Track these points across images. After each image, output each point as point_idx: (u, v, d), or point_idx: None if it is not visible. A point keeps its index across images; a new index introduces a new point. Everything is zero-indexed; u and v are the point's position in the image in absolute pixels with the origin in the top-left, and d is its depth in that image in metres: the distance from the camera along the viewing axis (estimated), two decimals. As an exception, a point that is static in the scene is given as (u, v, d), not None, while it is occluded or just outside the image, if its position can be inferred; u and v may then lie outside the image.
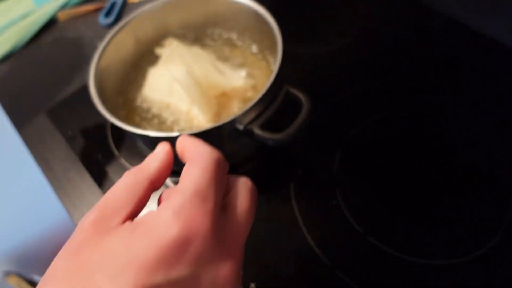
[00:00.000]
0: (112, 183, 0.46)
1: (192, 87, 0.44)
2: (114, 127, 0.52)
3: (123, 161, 0.49)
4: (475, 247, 0.37)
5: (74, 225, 0.45)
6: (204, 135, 0.37)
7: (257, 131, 0.37)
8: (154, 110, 0.47)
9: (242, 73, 0.47)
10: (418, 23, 0.58)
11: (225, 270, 0.20)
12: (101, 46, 0.45)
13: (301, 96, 0.39)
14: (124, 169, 0.48)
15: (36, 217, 0.99)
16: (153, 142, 0.38)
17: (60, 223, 1.03)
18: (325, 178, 0.44)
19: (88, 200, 0.47)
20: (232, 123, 0.37)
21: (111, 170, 0.48)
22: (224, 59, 0.50)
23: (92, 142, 0.52)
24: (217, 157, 0.23)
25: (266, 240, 0.40)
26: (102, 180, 0.48)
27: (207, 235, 0.20)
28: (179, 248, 0.19)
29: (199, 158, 0.23)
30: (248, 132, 0.37)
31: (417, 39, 0.56)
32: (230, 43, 0.52)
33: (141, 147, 0.49)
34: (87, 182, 0.48)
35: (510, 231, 0.38)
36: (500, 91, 0.48)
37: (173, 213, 0.20)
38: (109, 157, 0.49)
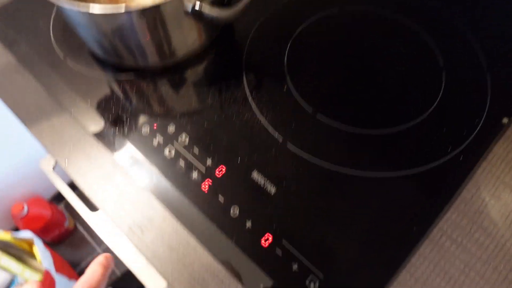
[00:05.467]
0: (59, 85, 0.45)
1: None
2: (56, 28, 0.50)
3: (69, 62, 0.47)
4: (408, 119, 0.42)
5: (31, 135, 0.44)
6: (151, 13, 0.37)
7: (206, 10, 0.37)
8: None
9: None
10: None
11: None
12: None
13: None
14: (71, 73, 0.46)
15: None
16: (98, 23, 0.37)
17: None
18: (276, 67, 0.46)
19: (38, 105, 0.45)
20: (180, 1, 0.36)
21: (57, 73, 0.47)
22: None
23: (34, 46, 0.49)
24: None
25: (224, 127, 0.42)
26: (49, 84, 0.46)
27: None
28: None
29: None
30: (196, 13, 0.37)
31: None
32: None
33: (86, 43, 0.47)
34: (32, 86, 0.46)
35: (439, 107, 0.42)
36: None
37: None
38: (54, 61, 0.47)
